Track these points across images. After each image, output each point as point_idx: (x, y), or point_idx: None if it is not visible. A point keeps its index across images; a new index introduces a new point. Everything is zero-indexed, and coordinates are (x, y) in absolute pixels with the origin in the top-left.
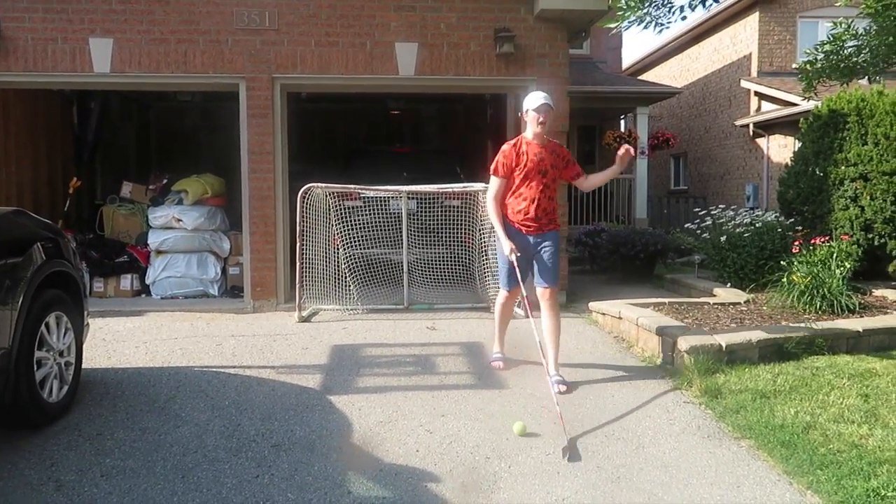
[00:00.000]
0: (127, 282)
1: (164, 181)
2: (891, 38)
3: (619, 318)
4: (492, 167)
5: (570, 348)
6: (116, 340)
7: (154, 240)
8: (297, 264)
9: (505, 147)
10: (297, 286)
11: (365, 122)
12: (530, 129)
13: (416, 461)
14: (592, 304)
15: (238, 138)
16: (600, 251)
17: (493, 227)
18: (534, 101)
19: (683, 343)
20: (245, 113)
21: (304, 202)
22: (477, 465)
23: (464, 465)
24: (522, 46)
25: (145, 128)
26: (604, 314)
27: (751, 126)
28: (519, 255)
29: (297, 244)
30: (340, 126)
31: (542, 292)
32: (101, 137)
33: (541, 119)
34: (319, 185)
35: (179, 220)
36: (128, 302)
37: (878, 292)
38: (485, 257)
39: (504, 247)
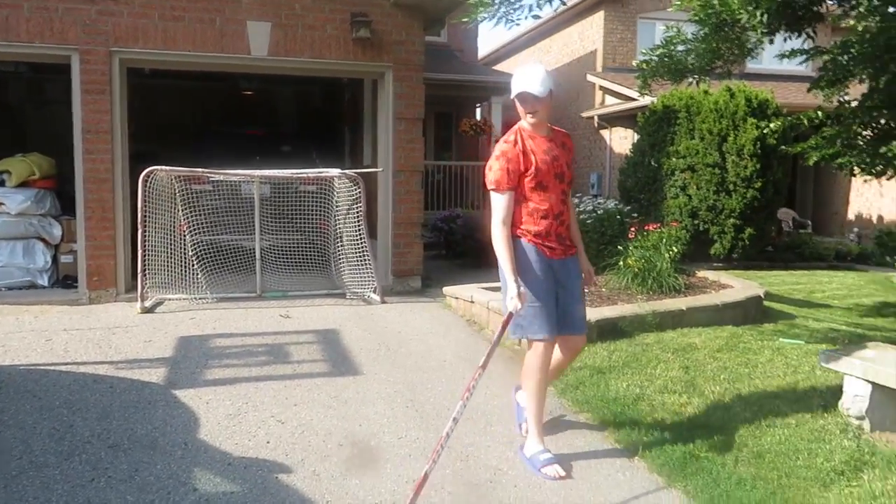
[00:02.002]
0: None
1: None
2: (714, 44)
3: (472, 301)
4: (490, 179)
5: (425, 332)
6: None
7: None
8: (140, 251)
9: (504, 147)
10: (140, 275)
11: (216, 103)
12: (525, 121)
13: (267, 453)
14: (447, 289)
15: (70, 115)
16: (455, 236)
17: (349, 211)
18: (515, 84)
19: None
20: (78, 88)
21: (146, 185)
22: (329, 452)
23: (316, 453)
24: (379, 32)
25: None
26: (457, 298)
27: (595, 118)
28: (524, 294)
29: (140, 230)
30: (189, 106)
31: (575, 342)
32: None
33: (530, 113)
34: (164, 167)
35: (1, 204)
36: None
37: (700, 273)
38: (340, 243)
39: (510, 287)
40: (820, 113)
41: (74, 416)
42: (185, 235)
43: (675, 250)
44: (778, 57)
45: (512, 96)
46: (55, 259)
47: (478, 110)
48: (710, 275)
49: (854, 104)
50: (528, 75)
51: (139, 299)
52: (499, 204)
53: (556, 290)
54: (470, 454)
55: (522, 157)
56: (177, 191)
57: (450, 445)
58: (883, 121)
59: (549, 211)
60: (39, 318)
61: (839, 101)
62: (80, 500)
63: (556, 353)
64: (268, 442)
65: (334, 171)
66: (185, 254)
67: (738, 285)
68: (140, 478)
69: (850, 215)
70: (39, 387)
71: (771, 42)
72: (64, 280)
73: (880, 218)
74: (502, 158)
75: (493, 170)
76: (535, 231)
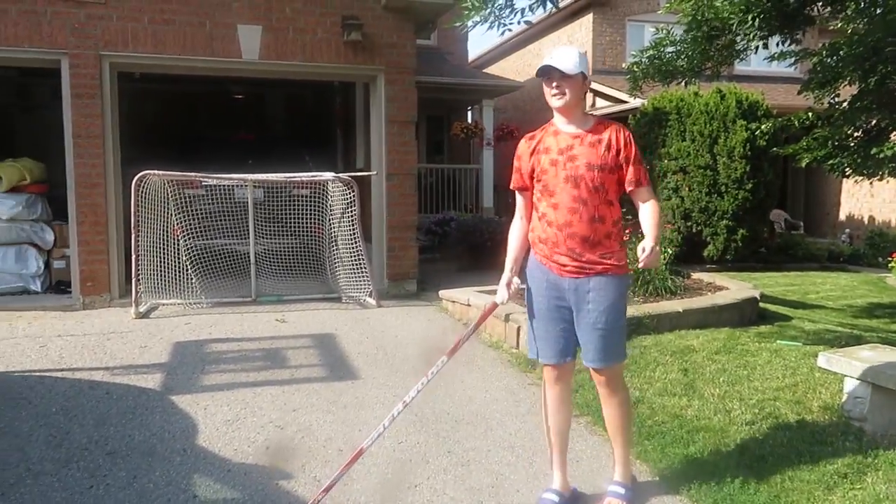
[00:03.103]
0: None
1: None
2: (703, 46)
3: (468, 305)
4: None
5: (422, 335)
6: None
7: None
8: (133, 256)
9: (520, 143)
10: (134, 280)
11: (208, 107)
12: (552, 105)
13: (266, 459)
14: (442, 293)
15: (61, 119)
16: (449, 240)
17: (343, 214)
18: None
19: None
20: (68, 92)
21: (139, 190)
22: (330, 458)
23: (316, 458)
24: (370, 35)
25: None
26: (453, 302)
27: None
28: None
29: (133, 235)
30: (181, 110)
31: (594, 375)
32: None
33: (554, 91)
34: (157, 172)
35: None
36: None
37: (695, 275)
38: (335, 247)
39: (498, 291)
40: (811, 114)
41: (71, 422)
42: (178, 240)
43: (669, 252)
44: (767, 59)
45: (538, 73)
46: (48, 264)
47: (469, 113)
48: (705, 277)
49: (845, 106)
50: (556, 51)
51: (133, 304)
52: (517, 202)
53: (568, 312)
54: (471, 459)
55: (531, 155)
56: (170, 195)
57: (450, 450)
58: (874, 122)
59: (555, 221)
60: (33, 323)
61: (829, 103)
62: None
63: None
64: (267, 447)
65: (328, 175)
66: (179, 258)
67: (733, 287)
68: (139, 485)
69: (842, 216)
70: (35, 393)
71: (765, 47)
72: (57, 285)
73: (871, 218)
74: (516, 155)
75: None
76: (543, 239)
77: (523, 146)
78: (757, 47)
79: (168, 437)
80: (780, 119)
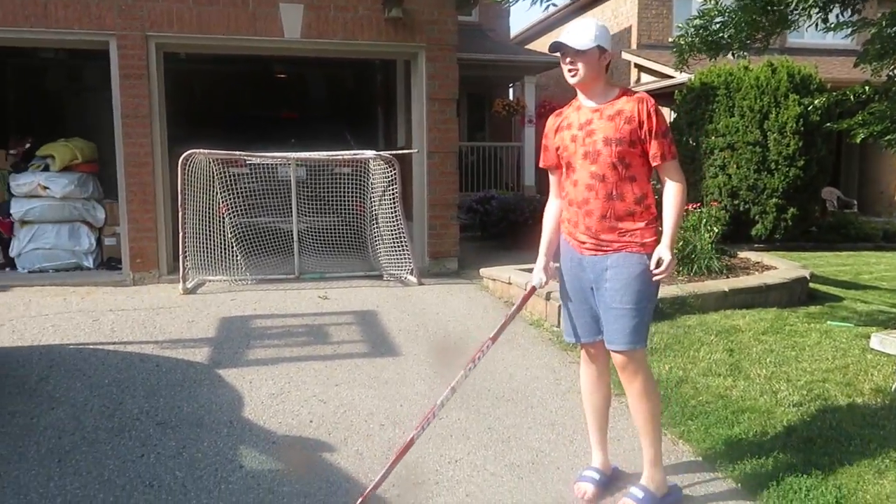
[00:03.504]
0: None
1: (27, 146)
2: (753, 16)
3: (509, 283)
4: None
5: (463, 314)
6: None
7: (18, 209)
8: (181, 234)
9: (549, 119)
10: (181, 257)
11: (251, 86)
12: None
13: (310, 432)
14: (483, 271)
15: (110, 100)
16: (490, 218)
17: (384, 192)
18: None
19: None
20: (117, 73)
21: (185, 169)
22: (372, 432)
23: (358, 433)
24: (411, 12)
25: (1, 87)
26: (494, 280)
27: None
28: (540, 286)
29: (180, 213)
30: (225, 89)
31: (612, 355)
32: None
33: (568, 68)
34: (202, 150)
35: (46, 188)
36: None
37: (742, 254)
38: (376, 225)
39: (534, 275)
40: (867, 88)
41: (123, 393)
42: (224, 217)
43: (715, 231)
44: (822, 29)
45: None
46: (99, 241)
47: (510, 90)
48: (753, 256)
49: None
50: (569, 26)
51: (181, 280)
52: (550, 182)
53: (591, 290)
54: (511, 435)
55: (556, 132)
56: (215, 174)
57: (490, 427)
58: None
59: (574, 198)
60: (86, 298)
61: (888, 76)
62: (131, 475)
63: None
64: (311, 421)
65: (369, 153)
66: (224, 236)
67: (781, 266)
68: (188, 454)
69: None
70: (89, 365)
71: (824, 21)
72: (108, 262)
73: None
74: (544, 133)
75: None
76: (566, 217)
77: (550, 123)
78: (816, 20)
79: (215, 408)
80: (834, 93)
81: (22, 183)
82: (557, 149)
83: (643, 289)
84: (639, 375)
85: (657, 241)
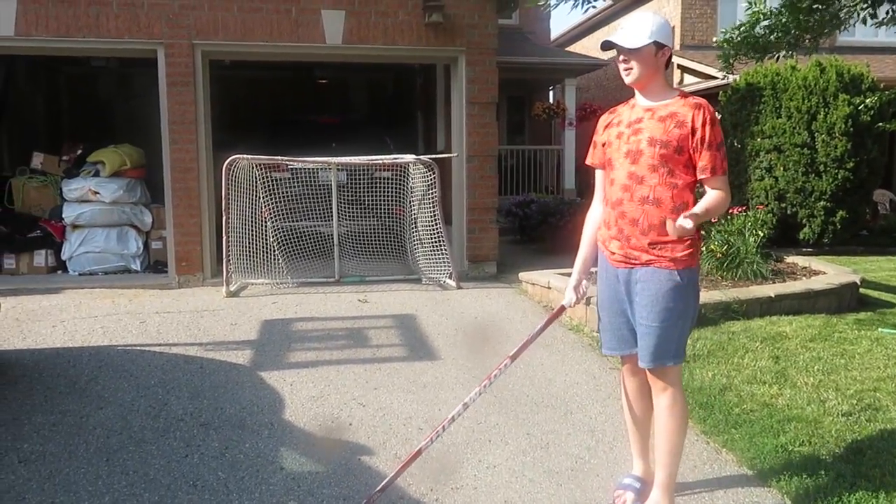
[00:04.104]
0: (41, 258)
1: (79, 152)
2: (800, 16)
3: (548, 287)
4: None
5: (501, 318)
6: (31, 320)
7: (69, 213)
8: (224, 238)
9: (602, 115)
10: (224, 260)
11: (292, 91)
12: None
13: (349, 435)
14: (522, 275)
15: (157, 107)
16: (530, 221)
17: (423, 196)
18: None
19: None
20: (164, 81)
21: (229, 174)
22: (410, 436)
23: (397, 436)
24: (451, 16)
25: (55, 95)
26: (533, 284)
27: None
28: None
29: (224, 217)
30: (268, 95)
31: (647, 372)
32: (5, 105)
33: (622, 66)
34: (245, 156)
35: (97, 193)
36: (42, 279)
37: (789, 259)
38: (415, 229)
39: (566, 294)
40: None
41: (168, 394)
42: (266, 222)
43: (761, 235)
44: (874, 24)
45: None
46: (146, 245)
47: (550, 93)
48: (800, 260)
49: None
50: (624, 23)
51: (224, 284)
52: (595, 183)
53: (627, 300)
54: (550, 441)
55: (605, 128)
56: (258, 178)
57: (529, 432)
58: None
59: (610, 198)
60: (133, 301)
61: None
62: (176, 475)
63: None
64: (350, 424)
65: (409, 157)
66: (266, 240)
67: (830, 271)
68: (230, 455)
69: None
70: (136, 366)
71: (873, 16)
72: (155, 265)
73: None
74: (596, 129)
75: None
76: (604, 221)
77: (603, 119)
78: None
79: (257, 410)
80: (886, 92)
81: (74, 188)
82: (604, 145)
83: (672, 306)
84: (667, 392)
85: (691, 258)
